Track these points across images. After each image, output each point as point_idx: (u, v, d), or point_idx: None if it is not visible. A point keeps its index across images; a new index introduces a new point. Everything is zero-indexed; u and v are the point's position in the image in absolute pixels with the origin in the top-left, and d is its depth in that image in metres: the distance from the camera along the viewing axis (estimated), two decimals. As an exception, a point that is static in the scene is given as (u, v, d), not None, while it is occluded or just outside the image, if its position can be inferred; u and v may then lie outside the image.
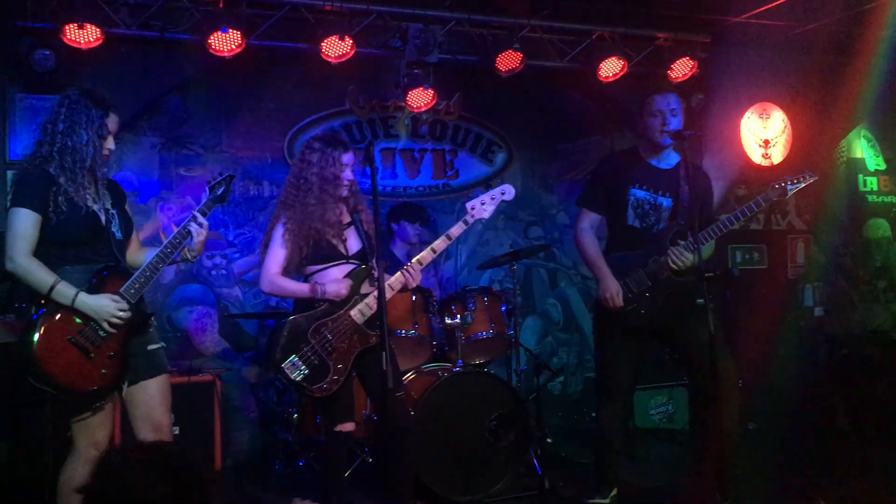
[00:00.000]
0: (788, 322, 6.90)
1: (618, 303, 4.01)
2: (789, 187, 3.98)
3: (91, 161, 3.17)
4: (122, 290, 3.14)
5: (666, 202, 4.07)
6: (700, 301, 3.84)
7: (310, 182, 3.77)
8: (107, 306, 3.07)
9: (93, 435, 3.20)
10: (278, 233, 3.78)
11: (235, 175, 3.58)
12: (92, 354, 3.06)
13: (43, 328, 3.01)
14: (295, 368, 3.67)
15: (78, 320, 3.06)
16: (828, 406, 6.41)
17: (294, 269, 3.81)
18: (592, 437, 5.99)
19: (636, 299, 4.02)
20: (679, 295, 3.98)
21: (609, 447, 4.27)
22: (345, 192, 3.86)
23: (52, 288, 3.02)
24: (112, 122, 3.26)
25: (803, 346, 6.84)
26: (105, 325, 3.07)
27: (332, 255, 3.81)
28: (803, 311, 6.97)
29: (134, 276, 3.18)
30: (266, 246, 3.82)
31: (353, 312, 3.77)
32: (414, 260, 3.90)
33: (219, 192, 3.41)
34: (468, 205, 3.95)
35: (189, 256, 3.35)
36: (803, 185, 3.99)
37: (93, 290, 3.10)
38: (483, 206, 3.95)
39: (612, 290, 4.03)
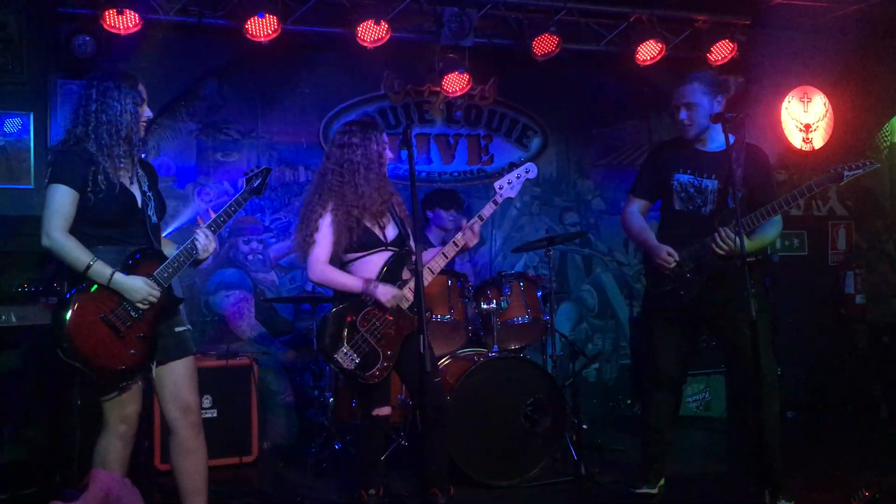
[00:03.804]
0: (829, 309, 6.79)
1: (674, 259, 3.93)
2: (846, 173, 3.85)
3: (127, 130, 3.19)
4: (155, 273, 3.17)
5: (711, 185, 4.00)
6: (747, 293, 3.78)
7: (355, 164, 3.78)
8: (141, 288, 3.10)
9: (122, 410, 3.25)
10: (326, 221, 3.77)
11: (272, 168, 3.64)
12: (122, 334, 3.09)
13: (76, 305, 3.04)
14: (348, 357, 3.70)
15: (111, 300, 3.09)
16: (868, 395, 6.32)
17: (336, 256, 3.81)
18: (629, 424, 6.03)
19: (676, 280, 3.97)
20: (727, 284, 3.88)
21: (657, 438, 4.21)
22: (386, 171, 3.88)
23: (88, 266, 3.06)
24: (143, 90, 3.29)
25: (844, 334, 6.74)
26: (137, 306, 3.11)
27: (372, 242, 3.82)
28: (844, 298, 6.84)
29: (167, 261, 3.21)
30: (311, 233, 3.78)
31: None
32: (450, 243, 3.93)
33: (255, 185, 3.44)
34: (496, 184, 4.01)
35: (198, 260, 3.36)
36: (861, 172, 3.86)
37: (127, 272, 3.12)
38: (510, 185, 4.00)
39: (662, 251, 3.95)
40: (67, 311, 3.03)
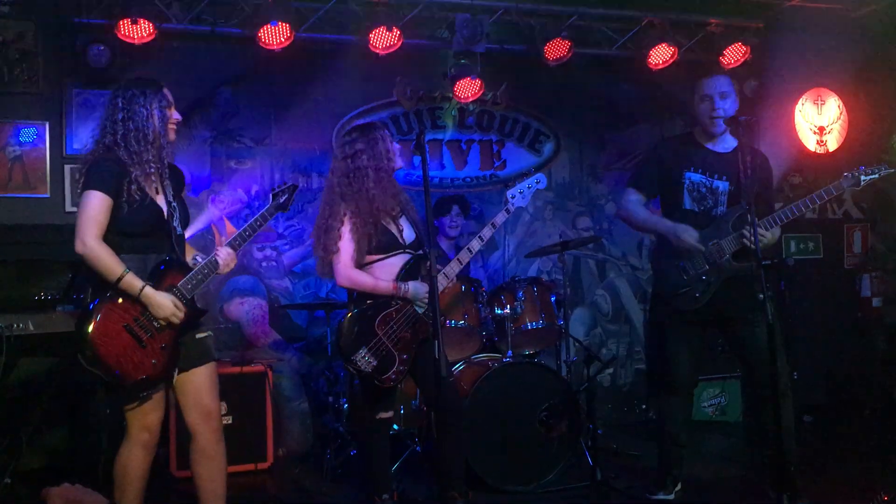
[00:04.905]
0: (845, 313, 6.74)
1: (696, 236, 3.91)
2: (863, 178, 3.87)
3: (154, 134, 3.21)
4: (180, 284, 3.19)
5: (723, 185, 4.01)
6: (762, 296, 3.77)
7: (364, 168, 3.79)
8: (168, 307, 3.12)
9: (144, 419, 3.26)
10: (346, 228, 3.78)
11: (298, 185, 3.69)
12: (145, 343, 3.11)
13: (100, 313, 3.06)
14: (365, 360, 3.72)
15: (135, 309, 3.11)
16: (887, 398, 6.27)
17: (357, 262, 3.82)
18: (645, 429, 6.00)
19: (692, 282, 3.96)
20: (739, 287, 3.89)
21: (672, 442, 4.20)
22: (398, 164, 3.91)
23: (120, 277, 3.07)
24: (168, 94, 3.31)
25: (861, 338, 6.68)
26: (161, 322, 3.13)
27: (392, 245, 3.84)
28: (861, 301, 6.79)
29: (191, 273, 3.23)
30: (334, 242, 3.78)
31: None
32: (464, 249, 3.95)
33: (281, 201, 3.49)
34: (508, 193, 4.07)
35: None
36: (877, 176, 3.88)
37: (154, 283, 3.14)
38: (521, 195, 4.08)
39: (681, 230, 3.93)
40: (91, 319, 3.04)
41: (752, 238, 3.76)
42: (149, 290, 3.10)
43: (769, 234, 3.88)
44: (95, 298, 3.09)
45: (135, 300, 3.10)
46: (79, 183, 3.20)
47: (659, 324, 4.24)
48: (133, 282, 3.08)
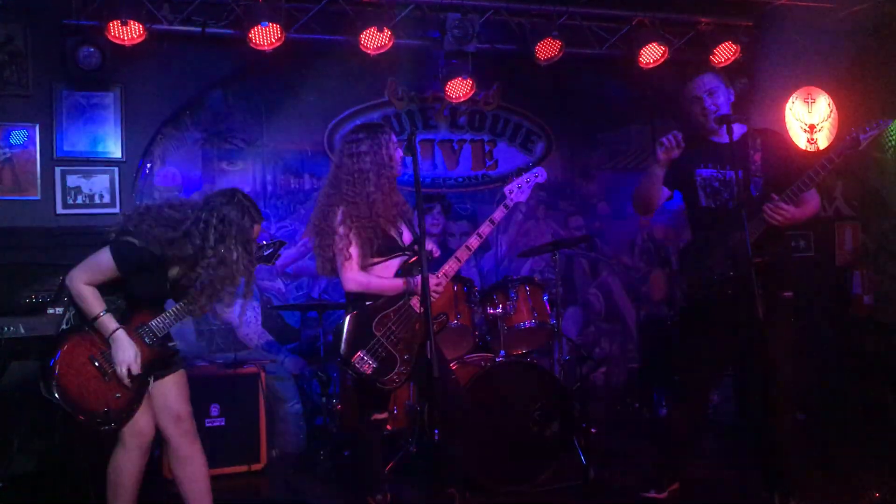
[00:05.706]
0: (836, 310, 6.76)
1: (675, 136, 3.89)
2: (862, 137, 3.78)
3: (218, 257, 3.21)
4: (151, 323, 3.25)
5: (735, 176, 3.92)
6: (786, 294, 3.73)
7: (366, 172, 3.75)
8: (129, 359, 3.14)
9: (135, 424, 3.28)
10: (352, 234, 3.74)
11: (286, 242, 3.78)
12: (108, 377, 3.15)
13: (67, 343, 3.12)
14: (365, 363, 3.69)
15: (103, 342, 3.16)
16: (877, 396, 6.29)
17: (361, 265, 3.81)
18: (638, 428, 6.01)
19: (719, 283, 3.86)
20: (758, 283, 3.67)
21: (679, 443, 4.18)
22: (400, 171, 3.88)
23: (96, 317, 3.13)
24: (256, 231, 3.34)
25: (852, 335, 6.71)
26: (116, 368, 3.14)
27: (393, 247, 3.83)
28: (852, 298, 6.81)
29: (163, 314, 3.29)
30: (344, 247, 3.73)
31: (414, 302, 3.79)
32: (462, 247, 3.92)
33: (265, 254, 3.59)
34: (506, 189, 4.04)
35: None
36: (877, 132, 3.76)
37: (124, 321, 3.19)
38: (519, 189, 4.04)
39: (661, 139, 3.93)
40: (57, 348, 3.10)
41: (776, 215, 3.72)
42: (120, 332, 3.15)
43: (790, 210, 3.76)
44: (65, 330, 3.14)
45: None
46: (119, 226, 3.22)
47: (688, 327, 4.18)
48: (108, 323, 3.14)
